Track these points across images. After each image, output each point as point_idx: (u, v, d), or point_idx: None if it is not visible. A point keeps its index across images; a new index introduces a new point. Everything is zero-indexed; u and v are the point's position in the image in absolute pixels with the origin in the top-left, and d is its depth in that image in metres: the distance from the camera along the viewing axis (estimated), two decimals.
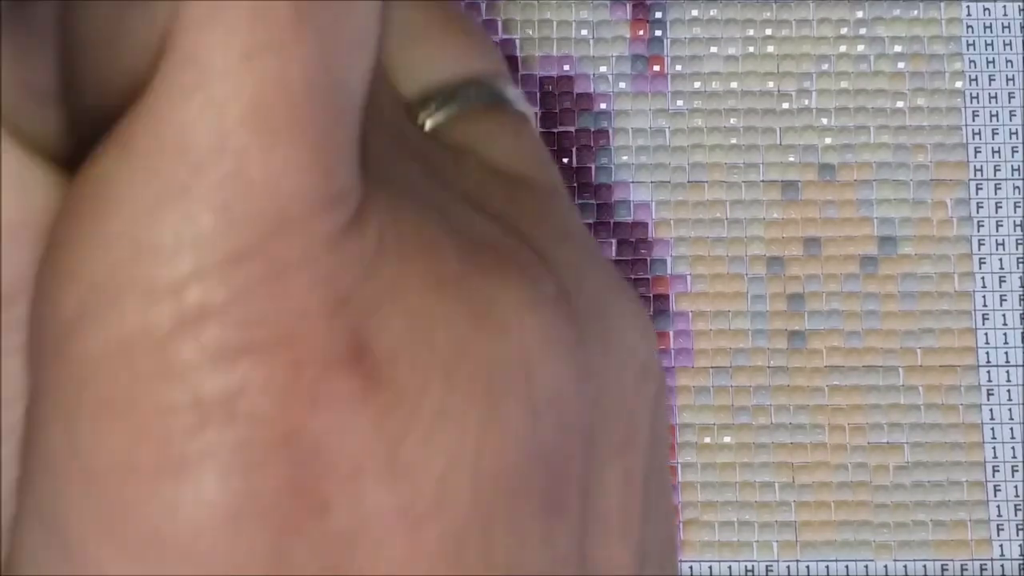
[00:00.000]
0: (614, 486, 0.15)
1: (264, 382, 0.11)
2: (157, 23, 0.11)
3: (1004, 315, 0.28)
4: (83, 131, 0.12)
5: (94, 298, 0.11)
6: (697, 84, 0.29)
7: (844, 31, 0.29)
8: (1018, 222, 0.29)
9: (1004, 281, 0.28)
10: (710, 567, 0.27)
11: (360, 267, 0.12)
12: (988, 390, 0.28)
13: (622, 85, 0.29)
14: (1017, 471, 0.27)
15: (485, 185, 0.16)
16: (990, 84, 0.29)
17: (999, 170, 0.29)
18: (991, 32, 0.29)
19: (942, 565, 0.27)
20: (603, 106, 0.29)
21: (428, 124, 0.16)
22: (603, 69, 0.29)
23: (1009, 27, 0.29)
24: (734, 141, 0.29)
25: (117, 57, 0.12)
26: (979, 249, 0.28)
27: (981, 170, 0.29)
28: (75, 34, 0.12)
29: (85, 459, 0.11)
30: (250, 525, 0.11)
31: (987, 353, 0.28)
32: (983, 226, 0.28)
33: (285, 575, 0.12)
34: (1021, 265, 0.28)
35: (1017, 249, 0.28)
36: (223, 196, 0.11)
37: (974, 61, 0.29)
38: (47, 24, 0.12)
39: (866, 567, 0.27)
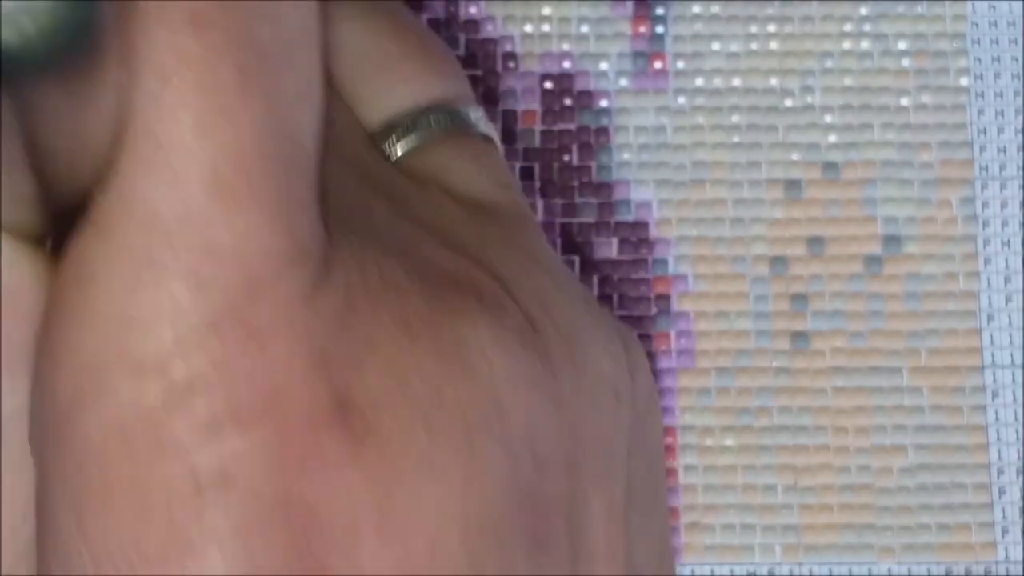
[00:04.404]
0: (599, 515, 0.15)
1: (254, 451, 0.11)
2: (112, 104, 0.12)
3: (1010, 315, 0.28)
4: (61, 206, 0.13)
5: (87, 378, 0.11)
6: (699, 81, 0.29)
7: (848, 28, 0.29)
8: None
9: (1009, 281, 0.28)
10: (712, 570, 0.27)
11: (334, 320, 0.12)
12: (993, 391, 0.28)
13: (623, 82, 0.29)
14: (1022, 473, 0.27)
15: (448, 215, 0.16)
16: (996, 81, 0.29)
17: (1005, 168, 0.28)
18: (996, 29, 0.29)
19: (946, 568, 0.27)
20: (604, 103, 0.29)
21: (394, 155, 0.16)
22: (604, 66, 0.29)
23: (1014, 24, 0.29)
24: (736, 139, 0.28)
25: (81, 142, 0.12)
26: (984, 248, 0.28)
27: (987, 168, 0.28)
28: (38, 132, 0.12)
29: (94, 545, 0.11)
30: None
31: (992, 354, 0.28)
32: (988, 225, 0.28)
33: None
34: None
35: (1023, 248, 0.28)
36: (192, 265, 0.11)
37: (979, 58, 0.29)
38: (16, 131, 0.12)
39: (869, 570, 0.27)
